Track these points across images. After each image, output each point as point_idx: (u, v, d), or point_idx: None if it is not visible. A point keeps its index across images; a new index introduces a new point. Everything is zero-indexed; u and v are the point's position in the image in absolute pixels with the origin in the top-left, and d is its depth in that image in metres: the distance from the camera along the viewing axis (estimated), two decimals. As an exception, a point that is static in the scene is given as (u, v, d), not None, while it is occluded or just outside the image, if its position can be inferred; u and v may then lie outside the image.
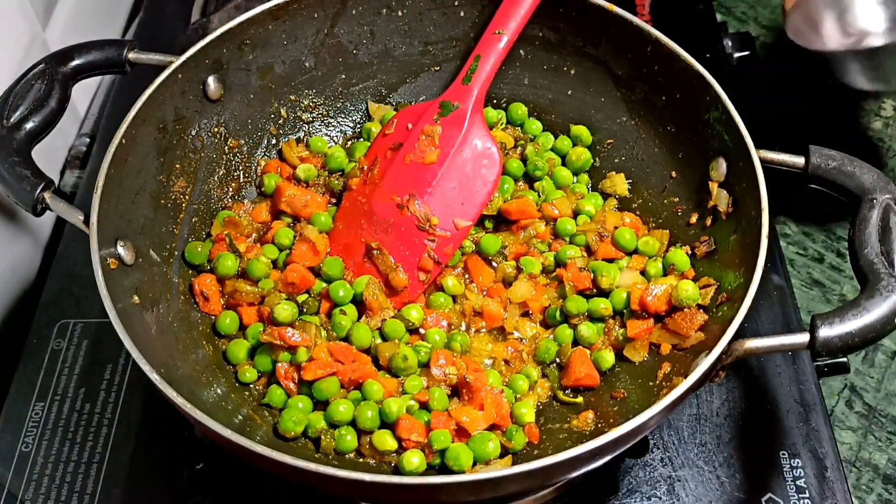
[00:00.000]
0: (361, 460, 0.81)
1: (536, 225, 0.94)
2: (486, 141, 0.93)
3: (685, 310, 0.83)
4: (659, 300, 0.85)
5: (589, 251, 0.93)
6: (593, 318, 0.89)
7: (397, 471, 0.78)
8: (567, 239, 0.94)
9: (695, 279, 0.87)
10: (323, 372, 0.82)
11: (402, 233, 0.91)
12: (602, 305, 0.88)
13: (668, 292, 0.85)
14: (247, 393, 0.85)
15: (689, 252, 0.89)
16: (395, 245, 0.90)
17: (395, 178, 0.92)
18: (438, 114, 0.94)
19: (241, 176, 0.98)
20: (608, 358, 0.86)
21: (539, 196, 0.97)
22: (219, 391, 0.83)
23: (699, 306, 0.83)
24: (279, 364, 0.83)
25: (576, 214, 0.96)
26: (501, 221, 0.95)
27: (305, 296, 0.89)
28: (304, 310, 0.87)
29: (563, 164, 1.00)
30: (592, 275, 0.89)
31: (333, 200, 0.97)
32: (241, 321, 0.88)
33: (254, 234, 0.94)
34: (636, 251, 0.92)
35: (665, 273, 0.89)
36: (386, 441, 0.79)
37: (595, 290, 0.90)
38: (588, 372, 0.85)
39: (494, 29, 0.94)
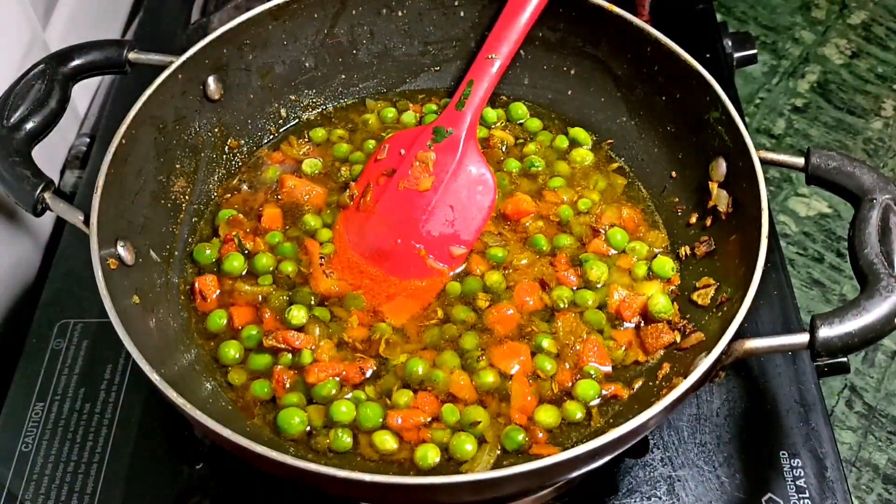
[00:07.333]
0: (360, 460, 0.80)
1: (535, 223, 0.94)
2: (481, 167, 0.93)
3: (656, 324, 0.84)
4: (633, 312, 0.86)
5: (583, 244, 0.92)
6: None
7: (400, 470, 0.78)
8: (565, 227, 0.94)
9: (695, 279, 0.87)
10: (325, 375, 0.82)
11: (398, 262, 0.90)
12: (590, 300, 0.88)
13: (643, 303, 0.86)
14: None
15: (689, 252, 0.89)
16: (391, 268, 0.90)
17: (389, 206, 0.92)
18: (432, 140, 0.93)
19: (242, 176, 0.98)
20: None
21: (537, 180, 0.97)
22: (219, 391, 0.83)
23: (668, 322, 0.84)
24: (277, 367, 0.83)
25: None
26: (500, 219, 0.95)
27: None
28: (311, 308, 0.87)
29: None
30: (581, 269, 0.89)
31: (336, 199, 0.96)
32: (234, 321, 0.87)
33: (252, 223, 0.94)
34: (625, 252, 0.92)
35: (650, 277, 0.89)
36: (386, 441, 0.79)
37: (583, 284, 0.90)
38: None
39: (487, 53, 0.94)
